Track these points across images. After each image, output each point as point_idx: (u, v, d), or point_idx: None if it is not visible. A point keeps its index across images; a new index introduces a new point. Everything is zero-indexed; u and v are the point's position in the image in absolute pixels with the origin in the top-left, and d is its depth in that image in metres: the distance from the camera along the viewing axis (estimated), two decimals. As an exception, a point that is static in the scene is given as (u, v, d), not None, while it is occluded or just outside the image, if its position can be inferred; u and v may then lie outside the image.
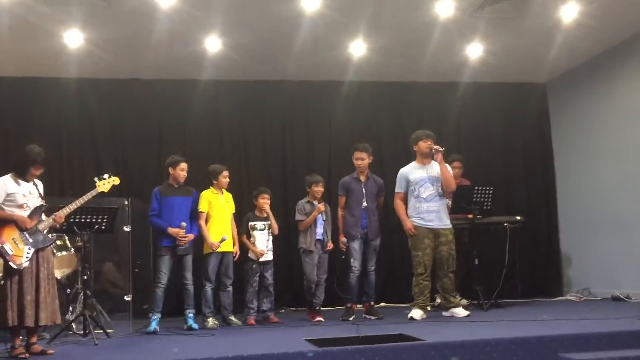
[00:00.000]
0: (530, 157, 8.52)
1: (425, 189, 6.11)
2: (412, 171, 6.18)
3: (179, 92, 7.75)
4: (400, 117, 8.27)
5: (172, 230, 6.02)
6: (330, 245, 6.70)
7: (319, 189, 6.71)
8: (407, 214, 6.17)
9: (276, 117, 8.05)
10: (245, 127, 7.98)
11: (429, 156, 6.19)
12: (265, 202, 6.64)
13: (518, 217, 7.18)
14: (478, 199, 6.73)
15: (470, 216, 6.81)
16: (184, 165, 6.26)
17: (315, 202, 6.68)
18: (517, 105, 8.48)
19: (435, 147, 6.11)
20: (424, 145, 6.17)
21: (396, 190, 6.27)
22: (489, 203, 6.80)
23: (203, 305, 6.23)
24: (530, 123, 8.53)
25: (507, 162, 8.46)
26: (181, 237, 6.04)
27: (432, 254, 6.01)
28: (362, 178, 6.66)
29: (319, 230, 6.66)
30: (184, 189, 6.30)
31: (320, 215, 6.62)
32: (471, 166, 7.64)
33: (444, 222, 6.12)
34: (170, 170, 6.25)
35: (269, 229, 6.59)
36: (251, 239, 6.56)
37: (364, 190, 6.59)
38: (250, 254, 6.55)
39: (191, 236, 6.18)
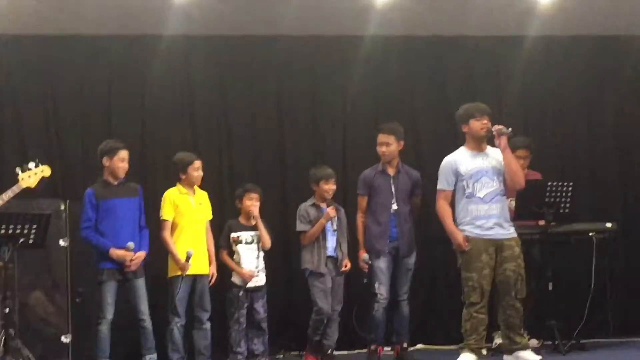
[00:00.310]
0: (627, 139, 8.45)
1: (483, 185, 6.11)
2: (462, 160, 6.16)
3: (134, 53, 7.73)
4: (443, 86, 8.22)
5: (116, 253, 6.06)
6: (347, 265, 6.73)
7: (329, 187, 6.73)
8: (455, 221, 6.14)
9: (270, 87, 8.03)
10: (227, 102, 7.95)
11: (484, 140, 6.17)
12: (253, 204, 6.64)
13: (609, 225, 7.15)
14: (552, 199, 6.73)
15: (542, 223, 6.79)
16: (123, 154, 6.25)
17: (324, 206, 6.71)
18: (607, 67, 8.42)
19: (497, 127, 6.05)
20: (477, 125, 6.15)
21: (439, 186, 6.25)
22: (568, 205, 6.81)
23: (169, 350, 6.27)
24: (625, 91, 8.46)
25: (592, 147, 8.39)
26: (129, 262, 6.06)
27: (492, 275, 6.02)
28: (391, 171, 6.67)
29: (330, 244, 6.70)
30: (127, 187, 6.32)
31: (330, 223, 6.63)
32: (541, 153, 7.61)
33: (508, 230, 6.12)
34: (106, 161, 6.25)
35: (258, 242, 6.61)
36: (235, 256, 6.59)
37: (393, 188, 6.60)
38: (234, 278, 6.56)
39: (142, 255, 6.18)
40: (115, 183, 6.25)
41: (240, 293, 6.49)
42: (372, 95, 8.14)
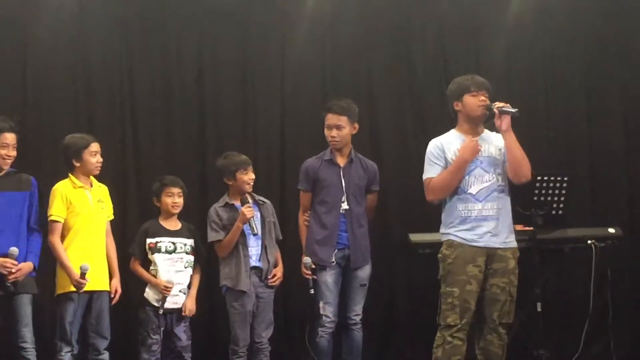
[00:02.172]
0: (636, 125, 8.57)
1: (476, 179, 6.01)
2: (451, 146, 6.04)
3: (13, 4, 7.69)
4: (409, 53, 8.31)
5: None
6: (275, 275, 6.79)
7: (249, 178, 6.78)
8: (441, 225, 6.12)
9: (188, 51, 8.05)
10: (132, 68, 7.95)
11: (481, 122, 6.12)
12: (174, 200, 6.74)
13: (612, 230, 7.33)
14: (543, 198, 6.86)
15: (530, 228, 6.90)
16: (9, 137, 6.21)
17: (239, 204, 6.75)
18: (613, 34, 8.54)
19: (499, 104, 6.02)
20: (473, 101, 6.02)
21: (426, 175, 6.07)
22: (562, 205, 6.94)
23: (56, 385, 6.28)
24: (636, 64, 8.60)
25: (593, 134, 8.52)
26: (9, 271, 6.01)
27: (478, 291, 5.98)
28: (341, 161, 6.75)
29: (254, 251, 6.75)
30: (16, 179, 6.28)
31: (248, 225, 6.65)
32: (529, 141, 7.63)
33: (505, 237, 6.04)
34: None
35: (184, 252, 6.69)
36: (151, 268, 6.63)
37: (343, 183, 6.69)
38: (147, 293, 6.59)
39: (28, 266, 6.15)
40: (1, 174, 6.22)
41: (154, 315, 6.52)
42: (318, 64, 8.18)
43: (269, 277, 6.75)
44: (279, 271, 6.82)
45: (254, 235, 6.68)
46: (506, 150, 5.98)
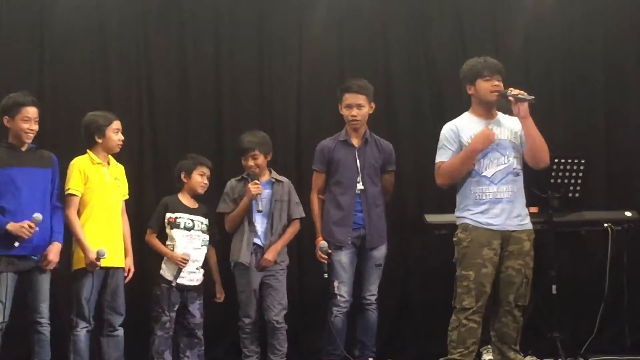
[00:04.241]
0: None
1: (491, 162, 6.03)
2: (466, 128, 6.08)
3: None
4: (425, 32, 8.28)
5: (13, 226, 6.04)
6: (266, 259, 6.75)
7: (250, 164, 6.83)
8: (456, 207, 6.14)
9: (205, 32, 8.05)
10: (150, 51, 7.95)
11: (494, 105, 6.12)
12: (204, 180, 6.84)
13: (629, 214, 7.32)
14: (560, 180, 6.85)
15: (535, 210, 6.90)
16: (31, 111, 6.21)
17: None
18: (633, 13, 8.51)
19: (514, 91, 5.99)
20: (486, 86, 6.04)
21: (438, 159, 6.12)
22: (579, 187, 6.94)
23: (72, 360, 6.34)
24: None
25: (610, 117, 8.43)
26: (28, 231, 6.02)
27: (493, 274, 6.02)
28: (356, 141, 6.80)
29: (260, 228, 6.79)
30: (38, 155, 6.29)
31: (255, 202, 6.71)
32: (545, 124, 7.59)
33: (520, 219, 6.07)
34: (7, 121, 6.21)
35: (201, 230, 6.72)
36: (167, 242, 6.65)
37: (358, 163, 6.73)
38: (163, 270, 6.64)
39: (57, 248, 6.16)
40: (23, 149, 6.23)
41: (169, 291, 6.56)
42: (335, 46, 8.17)
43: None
44: (270, 254, 6.76)
45: (259, 212, 6.72)
46: (525, 136, 6.01)
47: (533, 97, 5.92)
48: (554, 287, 6.82)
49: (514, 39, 8.24)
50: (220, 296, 6.93)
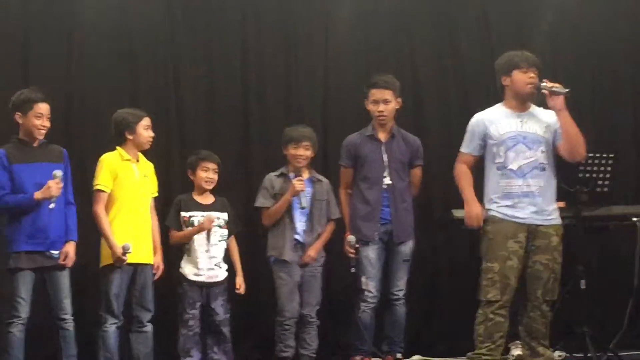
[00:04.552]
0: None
1: (518, 155, 6.04)
2: (496, 120, 6.10)
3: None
4: (452, 27, 8.29)
5: (41, 192, 6.03)
6: (308, 256, 6.79)
7: (298, 153, 6.80)
8: (484, 197, 6.14)
9: (231, 26, 8.06)
10: (177, 47, 7.97)
11: (529, 98, 6.12)
12: (209, 175, 6.75)
13: (658, 208, 7.29)
14: (588, 175, 6.83)
15: (562, 205, 6.81)
16: (43, 107, 6.21)
17: (292, 176, 6.82)
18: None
19: (549, 84, 5.95)
20: (522, 78, 6.03)
21: (462, 147, 6.21)
22: (607, 182, 6.90)
23: (101, 357, 6.34)
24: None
25: (639, 106, 8.48)
26: (57, 189, 6.05)
27: (520, 269, 6.02)
28: (382, 136, 6.82)
29: (299, 225, 6.79)
30: (49, 150, 6.29)
31: (297, 199, 6.71)
32: (573, 118, 7.68)
33: (547, 214, 6.08)
34: (19, 117, 6.21)
35: (220, 226, 6.71)
36: (186, 247, 6.71)
37: (385, 158, 6.75)
38: (183, 268, 6.65)
39: (73, 247, 6.19)
40: (34, 145, 6.23)
41: (191, 289, 6.58)
42: (362, 40, 8.18)
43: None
44: (312, 251, 6.82)
45: (302, 209, 6.72)
46: (561, 129, 6.00)
47: (568, 89, 5.91)
48: (582, 281, 6.77)
49: (541, 36, 8.25)
50: (240, 287, 6.88)
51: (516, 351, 6.78)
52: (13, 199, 6.07)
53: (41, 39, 7.65)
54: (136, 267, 6.40)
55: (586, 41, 8.30)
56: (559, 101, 5.91)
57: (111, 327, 6.32)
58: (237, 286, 6.85)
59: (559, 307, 6.79)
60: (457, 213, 7.06)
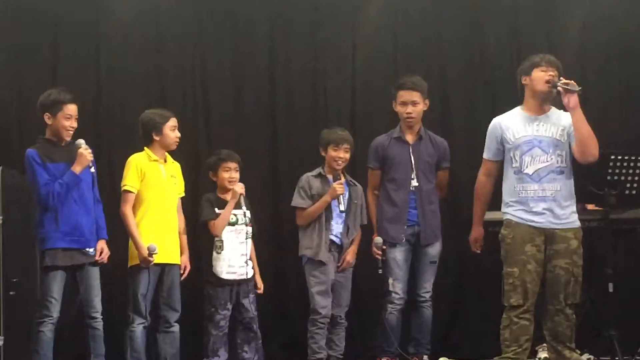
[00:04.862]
0: None
1: (534, 159, 6.07)
2: (512, 124, 6.13)
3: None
4: (480, 29, 8.24)
5: (76, 165, 6.12)
6: (345, 259, 6.83)
7: (338, 155, 6.81)
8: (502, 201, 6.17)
9: (259, 29, 8.07)
10: (205, 48, 8.00)
11: (547, 99, 6.12)
12: (230, 176, 6.77)
13: (686, 211, 7.23)
14: (617, 177, 6.78)
15: (593, 207, 6.91)
16: (71, 108, 6.28)
17: (330, 178, 6.82)
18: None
19: (564, 81, 5.96)
20: (541, 76, 6.05)
21: (484, 154, 6.27)
22: (636, 184, 6.85)
23: (129, 356, 6.38)
24: None
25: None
26: (89, 155, 6.16)
27: (540, 272, 6.04)
28: (410, 138, 6.83)
29: (335, 227, 6.81)
30: (76, 149, 6.29)
31: (337, 201, 6.72)
32: (601, 120, 7.61)
33: (565, 217, 6.07)
34: (47, 118, 6.26)
35: (245, 223, 6.72)
36: (216, 239, 6.67)
37: (412, 160, 6.75)
38: (215, 266, 6.63)
39: (105, 245, 6.29)
40: (62, 144, 6.28)
41: (220, 288, 6.59)
42: (389, 40, 8.16)
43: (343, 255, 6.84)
44: (349, 254, 6.85)
45: (341, 212, 6.74)
46: (574, 128, 5.99)
47: (580, 88, 5.90)
48: (610, 285, 6.72)
49: (570, 36, 8.19)
50: (259, 287, 6.90)
51: (543, 354, 6.75)
52: (58, 183, 6.14)
53: (69, 39, 7.73)
54: (163, 267, 6.45)
55: (617, 43, 8.22)
56: (573, 99, 5.91)
57: (139, 327, 6.36)
58: (258, 286, 6.88)
59: (587, 310, 6.81)
60: (486, 215, 7.06)
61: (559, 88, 5.93)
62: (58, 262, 6.14)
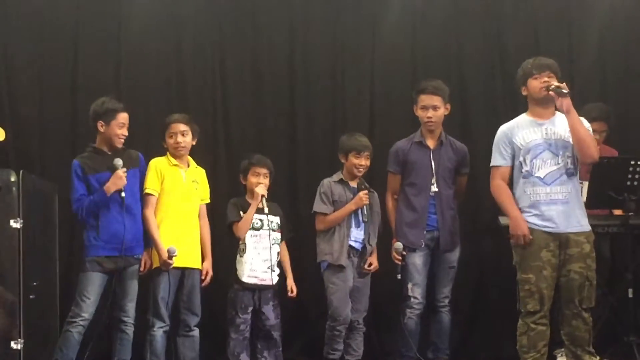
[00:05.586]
0: None
1: (544, 162, 6.09)
2: (520, 130, 6.17)
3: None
4: (500, 34, 8.26)
5: (108, 186, 6.15)
6: (371, 264, 6.88)
7: (359, 162, 6.84)
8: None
9: (280, 34, 8.09)
10: (225, 52, 8.02)
11: (549, 103, 6.15)
12: (259, 181, 6.76)
13: None
14: (636, 183, 6.77)
15: (619, 212, 6.87)
16: (124, 116, 6.38)
17: (353, 185, 6.86)
18: None
19: (555, 85, 6.02)
20: (536, 84, 6.12)
21: (493, 162, 6.28)
22: (656, 190, 6.85)
23: (149, 360, 6.42)
24: None
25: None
26: (122, 178, 6.18)
27: (555, 277, 6.06)
28: (431, 143, 6.83)
29: (355, 234, 6.83)
30: (126, 156, 6.39)
31: (360, 210, 6.76)
32: (621, 125, 7.68)
33: (576, 221, 6.09)
34: (101, 126, 6.35)
35: (271, 228, 6.72)
36: (240, 243, 6.68)
37: (433, 164, 6.77)
38: (238, 270, 6.62)
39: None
40: (109, 153, 6.35)
41: (242, 293, 6.61)
42: (409, 45, 8.17)
43: (365, 265, 6.85)
44: (374, 259, 6.89)
45: (364, 222, 6.77)
46: (570, 131, 6.04)
47: (567, 91, 5.97)
48: (630, 290, 6.74)
49: (590, 39, 8.19)
50: (292, 291, 6.92)
51: (562, 359, 6.75)
52: (88, 200, 6.23)
53: (90, 42, 7.76)
54: (183, 271, 6.49)
55: (637, 46, 8.20)
56: (566, 102, 5.98)
57: (159, 331, 6.40)
58: (289, 289, 6.89)
59: (607, 315, 6.80)
60: (504, 220, 7.04)
61: (550, 93, 6.00)
62: (99, 268, 6.24)
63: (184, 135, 6.61)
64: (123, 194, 6.20)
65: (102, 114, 6.34)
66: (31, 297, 6.40)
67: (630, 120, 7.93)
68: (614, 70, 8.18)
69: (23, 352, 6.24)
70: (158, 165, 6.54)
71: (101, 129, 6.34)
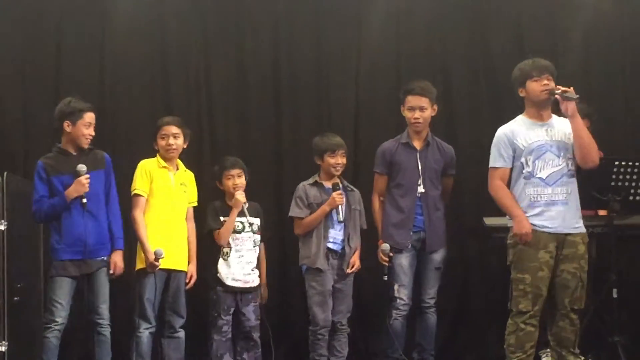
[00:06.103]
0: None
1: (546, 163, 6.09)
2: (521, 131, 6.14)
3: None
4: (484, 34, 8.26)
5: (69, 191, 6.10)
6: (354, 264, 6.86)
7: (335, 162, 6.82)
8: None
9: (264, 34, 8.09)
10: (210, 53, 8.02)
11: (547, 106, 6.17)
12: (234, 182, 6.73)
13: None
14: (620, 183, 6.79)
15: (604, 213, 6.91)
16: (90, 116, 6.31)
17: (329, 186, 6.82)
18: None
19: (562, 89, 6.01)
20: (536, 87, 6.09)
21: (492, 164, 6.22)
22: (640, 190, 6.88)
23: (134, 360, 6.41)
24: None
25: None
26: (85, 185, 6.12)
27: (549, 277, 6.05)
28: (417, 144, 6.82)
29: (334, 235, 6.82)
30: (90, 157, 6.34)
31: (335, 211, 6.74)
32: (606, 125, 7.67)
33: (574, 221, 6.10)
34: (67, 125, 6.28)
35: (252, 231, 6.72)
36: (223, 247, 6.67)
37: (419, 166, 6.76)
38: (219, 273, 6.62)
39: (120, 256, 6.31)
40: (74, 153, 6.29)
41: (224, 295, 6.59)
42: (393, 47, 8.17)
43: (347, 266, 6.83)
44: (356, 260, 6.87)
45: (340, 222, 6.76)
46: (573, 135, 6.04)
47: (578, 96, 5.96)
48: (614, 290, 6.76)
49: (574, 41, 8.19)
50: (263, 297, 6.87)
51: (547, 359, 6.78)
52: (47, 202, 6.18)
53: (73, 43, 7.75)
54: (169, 272, 6.48)
55: (621, 47, 8.23)
56: (571, 107, 5.96)
57: (144, 332, 6.40)
58: (264, 296, 6.86)
59: (591, 316, 6.80)
60: (489, 221, 7.08)
61: (556, 96, 5.98)
62: (62, 273, 6.19)
63: (175, 137, 6.60)
64: (84, 200, 6.14)
65: (68, 113, 6.26)
66: (15, 299, 6.38)
67: (615, 121, 7.95)
68: (597, 72, 8.19)
69: (7, 355, 6.24)
70: (147, 166, 6.53)
71: (67, 129, 6.26)
